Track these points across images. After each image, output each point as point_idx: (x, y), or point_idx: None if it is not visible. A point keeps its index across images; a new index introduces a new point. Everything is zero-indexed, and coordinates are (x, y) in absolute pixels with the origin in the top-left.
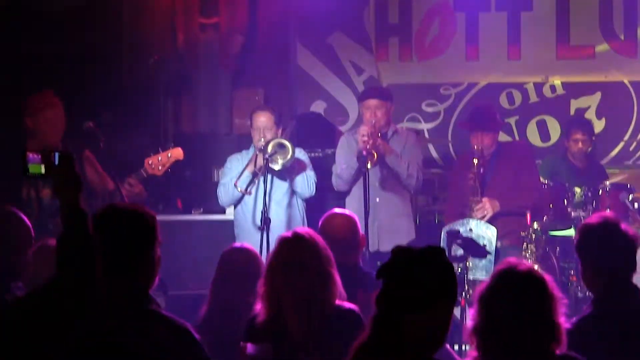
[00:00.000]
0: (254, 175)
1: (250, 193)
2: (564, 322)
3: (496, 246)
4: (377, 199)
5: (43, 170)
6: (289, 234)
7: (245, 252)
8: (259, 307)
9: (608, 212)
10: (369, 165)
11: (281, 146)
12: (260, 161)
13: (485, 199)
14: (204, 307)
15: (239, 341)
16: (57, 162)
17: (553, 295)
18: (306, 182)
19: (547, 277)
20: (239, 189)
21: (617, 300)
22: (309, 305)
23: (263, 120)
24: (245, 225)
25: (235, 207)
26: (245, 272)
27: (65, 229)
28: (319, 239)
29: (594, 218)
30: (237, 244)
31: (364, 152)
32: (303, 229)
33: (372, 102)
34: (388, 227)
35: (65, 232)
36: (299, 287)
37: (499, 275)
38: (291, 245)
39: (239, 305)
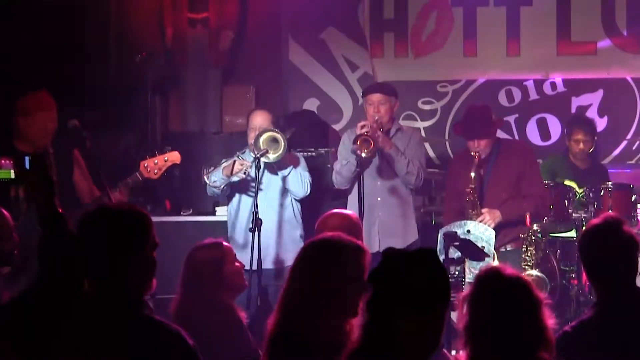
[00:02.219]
0: (227, 179)
1: (217, 187)
2: (552, 325)
3: (500, 252)
4: (379, 199)
5: (13, 175)
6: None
7: (218, 249)
8: None
9: (611, 213)
10: (363, 154)
11: (274, 140)
12: (237, 167)
13: (485, 211)
14: (172, 306)
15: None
16: (28, 166)
17: (538, 299)
18: (300, 181)
19: (531, 282)
20: (209, 188)
21: (619, 304)
22: None
23: (259, 120)
24: (237, 227)
25: (228, 208)
26: (216, 270)
27: (44, 232)
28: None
29: (596, 219)
30: (210, 239)
31: (360, 140)
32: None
33: (376, 97)
34: (389, 228)
35: (44, 236)
36: None
37: (483, 279)
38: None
39: (209, 305)
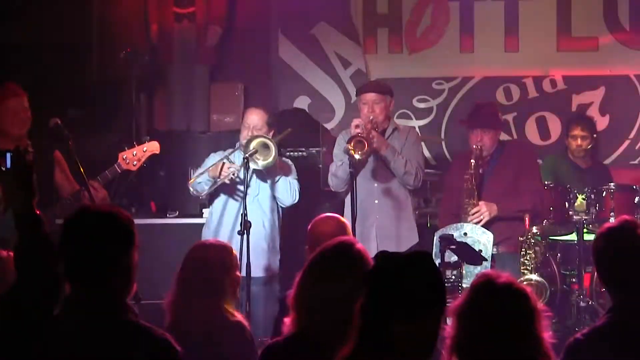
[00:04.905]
0: (214, 181)
1: (202, 196)
2: (549, 337)
3: (492, 253)
4: (376, 201)
5: None
6: None
7: (220, 249)
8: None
9: (627, 216)
10: (356, 156)
11: (264, 146)
12: (224, 170)
13: (481, 203)
14: (168, 316)
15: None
16: (9, 164)
17: (535, 309)
18: (289, 189)
19: (528, 290)
20: (192, 190)
21: (636, 310)
22: None
23: (254, 118)
24: (221, 231)
25: (209, 210)
26: (217, 272)
27: (21, 236)
28: None
29: (612, 222)
30: (210, 239)
31: (354, 141)
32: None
33: (370, 96)
34: (388, 231)
35: (21, 240)
36: None
37: (476, 288)
38: None
39: (208, 310)
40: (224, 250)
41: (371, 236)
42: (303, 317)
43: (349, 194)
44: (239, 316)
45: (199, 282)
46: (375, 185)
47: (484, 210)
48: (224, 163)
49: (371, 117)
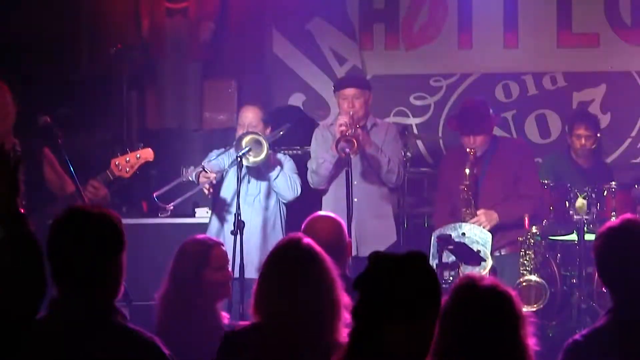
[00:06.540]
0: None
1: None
2: (534, 344)
3: (495, 256)
4: (355, 199)
5: None
6: None
7: (204, 247)
8: None
9: (629, 215)
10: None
11: (257, 142)
12: (201, 179)
13: (480, 212)
14: (158, 314)
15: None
16: None
17: (519, 314)
18: (289, 183)
19: (513, 294)
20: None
21: (635, 310)
22: None
23: (250, 116)
24: (215, 229)
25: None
26: (195, 268)
27: (4, 235)
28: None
29: (614, 220)
30: (200, 235)
31: (343, 140)
32: None
33: (350, 91)
34: (367, 230)
35: (5, 239)
36: None
37: (458, 290)
38: None
39: (198, 308)
40: (198, 245)
41: (349, 234)
42: (261, 311)
43: (327, 193)
44: (223, 317)
45: (176, 278)
46: (356, 183)
47: (484, 220)
48: (200, 172)
49: (351, 112)
